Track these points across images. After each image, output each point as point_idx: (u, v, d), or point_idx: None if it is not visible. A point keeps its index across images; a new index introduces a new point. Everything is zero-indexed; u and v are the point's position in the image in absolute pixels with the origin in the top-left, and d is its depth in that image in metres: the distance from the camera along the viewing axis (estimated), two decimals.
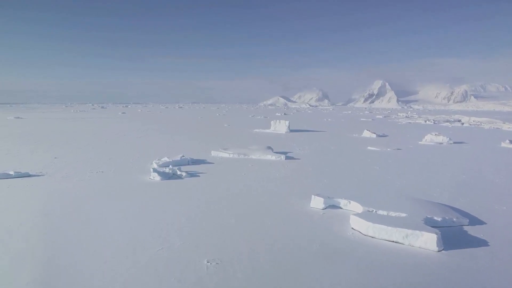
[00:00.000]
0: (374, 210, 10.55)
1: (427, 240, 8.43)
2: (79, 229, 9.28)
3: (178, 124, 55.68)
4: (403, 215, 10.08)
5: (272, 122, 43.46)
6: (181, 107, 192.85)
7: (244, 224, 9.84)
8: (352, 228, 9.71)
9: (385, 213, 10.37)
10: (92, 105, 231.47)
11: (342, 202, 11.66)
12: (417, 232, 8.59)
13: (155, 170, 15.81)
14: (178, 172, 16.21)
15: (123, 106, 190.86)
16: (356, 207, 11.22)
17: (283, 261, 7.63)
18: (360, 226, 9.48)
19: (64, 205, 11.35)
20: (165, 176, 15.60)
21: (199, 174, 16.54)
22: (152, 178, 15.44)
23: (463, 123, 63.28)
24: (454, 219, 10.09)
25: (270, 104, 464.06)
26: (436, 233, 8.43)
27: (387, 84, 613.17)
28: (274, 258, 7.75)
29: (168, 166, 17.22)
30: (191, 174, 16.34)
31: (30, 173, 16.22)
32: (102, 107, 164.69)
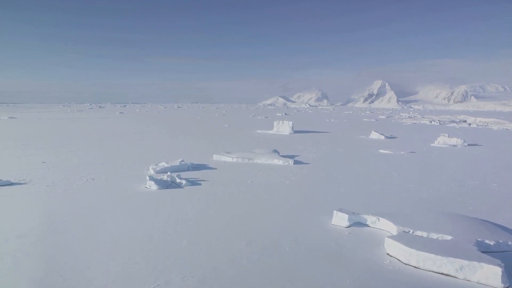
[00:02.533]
0: (411, 231, 8.87)
1: (489, 275, 6.75)
2: (54, 259, 7.53)
3: (177, 124, 53.94)
4: (448, 237, 8.40)
5: (275, 122, 41.80)
6: (179, 107, 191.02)
7: (257, 250, 8.11)
8: (388, 254, 8.04)
9: (424, 234, 8.70)
10: (90, 105, 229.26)
11: (370, 219, 9.97)
12: (475, 263, 6.91)
13: (151, 178, 14.12)
14: (178, 180, 14.53)
15: (121, 106, 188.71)
16: (387, 225, 9.54)
17: None
18: (398, 253, 7.79)
19: (42, 225, 9.62)
20: (163, 184, 13.92)
21: (201, 182, 14.84)
22: (148, 187, 13.76)
23: (470, 124, 61.69)
24: (510, 242, 8.41)
25: (270, 104, 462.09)
26: (500, 265, 6.76)
27: (387, 84, 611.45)
28: None
29: (166, 173, 15.55)
30: (192, 182, 14.64)
31: (12, 181, 14.53)
32: (100, 107, 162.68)
